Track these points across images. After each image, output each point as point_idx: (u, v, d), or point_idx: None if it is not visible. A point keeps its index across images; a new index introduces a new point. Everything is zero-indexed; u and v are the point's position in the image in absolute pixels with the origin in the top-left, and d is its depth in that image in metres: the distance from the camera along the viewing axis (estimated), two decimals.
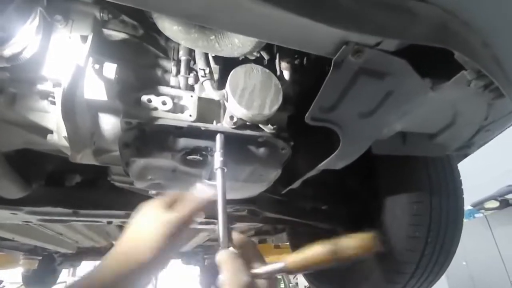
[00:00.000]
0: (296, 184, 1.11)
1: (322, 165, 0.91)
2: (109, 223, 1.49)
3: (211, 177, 0.89)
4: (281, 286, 10.29)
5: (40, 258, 3.73)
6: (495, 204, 3.19)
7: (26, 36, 0.60)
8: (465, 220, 3.52)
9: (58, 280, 4.02)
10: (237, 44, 0.69)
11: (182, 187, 0.99)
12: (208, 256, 4.17)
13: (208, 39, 0.69)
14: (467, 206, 3.65)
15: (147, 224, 0.53)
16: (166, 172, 0.86)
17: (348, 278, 1.27)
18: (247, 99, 0.77)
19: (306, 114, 0.70)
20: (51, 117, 0.79)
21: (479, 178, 3.68)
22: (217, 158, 0.70)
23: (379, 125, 0.77)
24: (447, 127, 0.86)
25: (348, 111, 0.72)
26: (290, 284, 9.44)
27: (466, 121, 0.84)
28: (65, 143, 0.79)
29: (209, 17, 0.51)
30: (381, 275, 1.11)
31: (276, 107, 0.79)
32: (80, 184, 1.33)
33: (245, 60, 0.93)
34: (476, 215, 3.59)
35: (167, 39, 0.89)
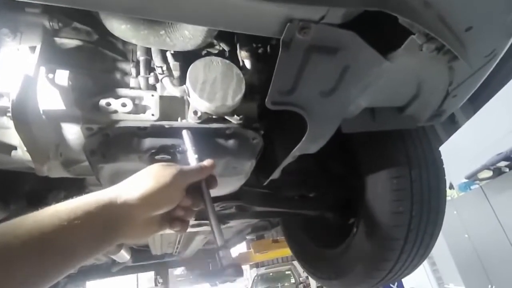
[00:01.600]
0: (276, 174, 1.10)
1: (296, 150, 0.90)
2: None
3: None
4: (291, 281, 10.31)
5: None
6: (488, 173, 3.21)
7: None
8: (461, 193, 3.54)
9: None
10: (187, 36, 0.68)
11: None
12: (211, 260, 4.16)
13: (158, 34, 0.68)
14: (461, 179, 3.67)
15: (145, 171, 0.51)
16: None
17: (340, 262, 1.27)
18: (209, 92, 0.76)
19: (266, 99, 0.69)
20: (13, 133, 0.78)
21: (473, 150, 3.71)
22: (191, 155, 0.69)
23: (343, 103, 0.77)
24: (413, 98, 0.86)
25: (308, 92, 0.71)
26: (300, 278, 9.47)
27: (431, 89, 0.84)
28: (29, 157, 0.78)
29: (147, 8, 0.51)
30: (372, 253, 1.11)
31: (239, 96, 0.78)
32: (63, 200, 1.32)
33: (207, 54, 0.93)
34: (472, 187, 3.61)
35: (124, 41, 0.88)
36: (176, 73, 0.81)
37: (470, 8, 0.60)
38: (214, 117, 0.81)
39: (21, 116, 0.60)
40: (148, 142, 0.76)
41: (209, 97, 0.76)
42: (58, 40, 0.76)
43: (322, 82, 0.70)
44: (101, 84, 0.78)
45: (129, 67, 0.84)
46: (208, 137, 0.82)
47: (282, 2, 0.52)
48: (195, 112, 0.78)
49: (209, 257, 3.70)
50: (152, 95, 0.79)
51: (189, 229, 1.78)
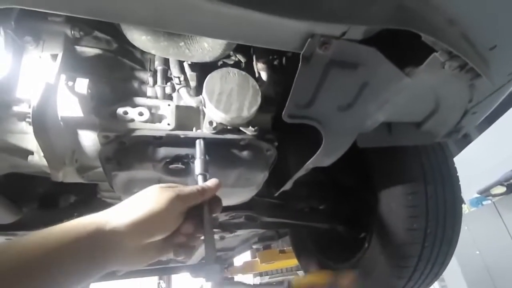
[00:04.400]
0: (288, 185, 1.09)
1: (310, 163, 0.89)
2: None
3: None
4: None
5: None
6: (501, 189, 3.14)
7: None
8: (473, 209, 3.45)
9: None
10: (207, 48, 0.68)
11: None
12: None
13: (177, 46, 0.69)
14: (474, 194, 3.60)
15: (140, 194, 0.48)
16: (151, 183, 0.85)
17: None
18: (225, 103, 0.76)
19: (283, 112, 0.69)
20: (31, 138, 0.79)
21: (484, 165, 3.63)
22: (197, 164, 0.69)
23: (360, 117, 0.76)
24: (431, 114, 0.85)
25: (326, 106, 0.71)
26: None
27: (450, 105, 0.82)
28: (46, 163, 0.78)
29: (162, 21, 0.51)
30: (384, 270, 1.08)
31: (255, 108, 0.78)
32: (73, 204, 1.33)
33: (223, 65, 0.93)
34: (484, 203, 3.52)
35: (143, 51, 0.89)
36: (192, 84, 0.81)
37: (495, 27, 0.59)
38: (229, 128, 0.80)
39: (41, 122, 0.60)
40: (163, 151, 0.76)
41: (225, 108, 0.76)
42: (78, 48, 0.78)
43: (340, 97, 0.70)
44: (118, 93, 0.79)
45: (147, 76, 0.85)
46: (223, 147, 0.82)
47: (304, 18, 0.52)
48: (211, 123, 0.78)
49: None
50: (169, 105, 0.79)
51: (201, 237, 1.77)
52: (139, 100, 0.78)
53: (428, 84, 0.73)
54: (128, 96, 0.79)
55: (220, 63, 0.93)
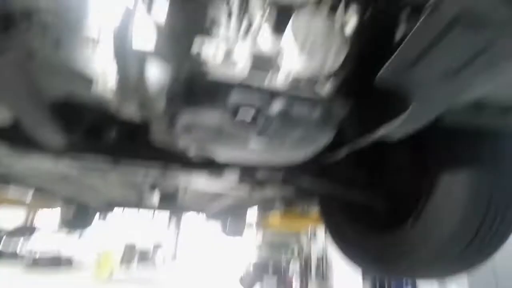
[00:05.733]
0: (342, 154, 1.04)
1: (380, 133, 0.82)
2: (145, 176, 1.52)
3: (257, 139, 0.84)
4: (295, 252, 10.67)
5: (75, 206, 4.03)
6: None
7: None
8: None
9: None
10: None
11: (224, 149, 0.95)
12: (231, 215, 4.31)
13: None
14: None
15: None
16: (212, 131, 0.82)
17: (387, 257, 1.23)
18: (309, 50, 0.68)
19: (378, 74, 0.61)
20: (96, 65, 0.75)
21: None
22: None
23: (460, 88, 0.67)
24: None
25: (427, 71, 0.61)
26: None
27: None
28: (108, 93, 0.75)
29: None
30: (426, 254, 1.05)
31: (340, 61, 0.70)
32: (117, 139, 1.34)
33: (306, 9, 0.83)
34: None
35: None
36: (271, 26, 0.72)
37: None
38: (305, 80, 0.73)
39: (121, 50, 0.55)
40: (233, 99, 0.71)
41: (308, 56, 0.68)
42: None
43: (450, 61, 0.60)
44: (192, 28, 0.72)
45: (220, 14, 0.76)
46: (292, 103, 0.75)
47: None
48: (287, 73, 0.71)
49: (231, 212, 3.82)
50: (244, 48, 0.72)
51: (229, 188, 1.79)
52: (214, 39, 0.71)
53: None
54: (202, 33, 0.72)
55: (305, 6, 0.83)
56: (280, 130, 0.79)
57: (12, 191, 3.33)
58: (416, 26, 0.51)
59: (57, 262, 10.65)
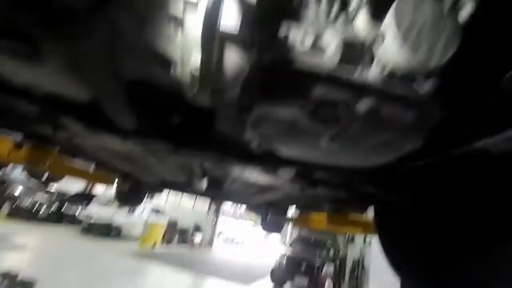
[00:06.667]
0: (423, 163, 0.92)
1: (483, 143, 0.70)
2: (201, 164, 1.53)
3: (335, 137, 0.76)
4: (330, 253, 10.36)
5: (131, 182, 4.33)
6: None
7: None
8: None
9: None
10: None
11: (293, 146, 0.89)
12: (272, 209, 4.29)
13: None
14: None
15: None
16: (285, 124, 0.76)
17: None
18: (414, 39, 0.58)
19: (506, 76, 0.50)
20: (177, 47, 0.73)
21: None
22: None
23: None
24: None
25: None
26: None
27: None
28: (187, 77, 0.73)
29: None
30: None
31: (449, 54, 0.59)
32: (181, 123, 1.35)
33: None
34: None
35: None
36: (370, 8, 0.63)
37: None
38: (403, 75, 0.63)
39: (210, 31, 0.51)
40: (319, 91, 0.64)
41: (413, 45, 0.58)
42: None
43: None
44: (279, 10, 0.66)
45: None
46: (385, 100, 0.66)
47: None
48: (384, 65, 0.62)
49: (273, 207, 3.79)
50: (335, 34, 0.64)
51: (281, 184, 1.74)
52: (302, 23, 0.64)
53: None
54: (288, 16, 0.66)
55: None
56: (364, 131, 0.70)
57: (76, 163, 3.68)
58: None
59: (108, 231, 11.68)
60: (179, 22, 0.68)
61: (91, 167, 3.93)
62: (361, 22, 0.61)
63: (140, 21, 0.71)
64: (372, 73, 0.64)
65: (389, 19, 0.58)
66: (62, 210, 12.67)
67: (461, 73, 0.67)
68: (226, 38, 0.65)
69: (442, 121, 0.75)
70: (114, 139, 1.36)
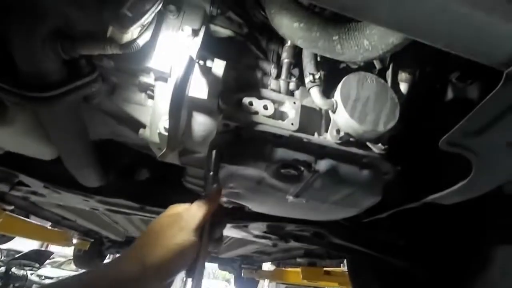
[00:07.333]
0: (383, 215, 0.97)
1: (432, 198, 0.76)
2: None
3: (299, 194, 0.80)
4: None
5: (92, 240, 3.99)
6: None
7: (145, 23, 0.57)
8: None
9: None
10: (365, 47, 0.58)
11: (260, 200, 0.91)
12: (246, 266, 4.08)
13: (330, 39, 0.60)
14: None
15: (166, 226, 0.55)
16: (251, 182, 0.79)
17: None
18: (360, 112, 0.66)
19: (443, 139, 0.58)
20: (146, 111, 0.76)
21: None
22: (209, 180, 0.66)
23: None
24: None
25: (497, 138, 0.57)
26: None
27: None
28: (156, 139, 0.75)
29: (363, 9, 0.42)
30: None
31: (392, 124, 0.68)
32: (149, 180, 1.33)
33: (346, 68, 0.83)
34: None
35: (268, 40, 0.83)
36: (322, 86, 0.72)
37: None
38: (354, 140, 0.70)
39: (179, 99, 0.56)
40: (281, 152, 0.69)
41: (360, 117, 0.66)
42: (213, 27, 0.73)
43: None
44: (242, 80, 0.73)
45: (269, 68, 0.78)
46: (341, 161, 0.72)
47: None
48: (338, 131, 0.69)
49: (246, 263, 3.63)
50: (294, 102, 0.71)
51: (251, 238, 1.71)
52: (264, 92, 0.71)
53: None
54: (252, 86, 0.73)
55: (342, 65, 0.84)
56: (325, 188, 0.74)
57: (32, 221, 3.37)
58: (488, 96, 0.49)
59: None
60: (150, 89, 0.73)
61: (47, 224, 3.61)
62: (315, 95, 0.68)
63: (112, 88, 0.75)
64: (330, 136, 0.70)
65: (338, 94, 0.67)
66: (10, 272, 11.06)
67: (403, 137, 0.76)
68: (197, 102, 0.69)
69: (397, 178, 0.82)
70: (76, 197, 1.30)
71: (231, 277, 4.38)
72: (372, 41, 0.58)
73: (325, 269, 2.33)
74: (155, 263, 0.50)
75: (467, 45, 0.45)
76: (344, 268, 2.94)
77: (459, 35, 0.44)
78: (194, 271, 0.55)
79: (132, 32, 0.56)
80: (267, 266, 4.29)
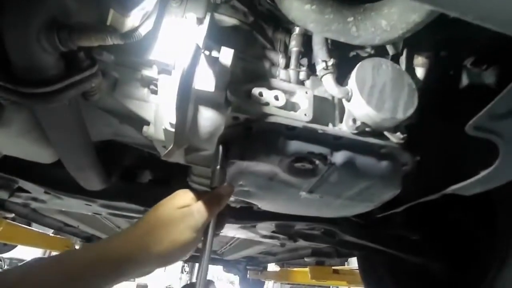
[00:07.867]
0: (400, 209, 0.93)
1: (454, 189, 0.72)
2: None
3: (313, 189, 0.76)
4: None
5: None
6: None
7: (146, 10, 0.53)
8: None
9: None
10: (383, 27, 0.55)
11: (271, 197, 0.87)
12: (251, 267, 4.04)
13: (344, 21, 0.56)
14: None
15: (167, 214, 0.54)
16: (262, 179, 0.75)
17: None
18: (377, 99, 0.62)
19: (469, 123, 0.54)
20: (150, 107, 0.72)
21: None
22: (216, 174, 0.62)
23: None
24: None
25: None
26: None
27: None
28: (161, 136, 0.71)
29: None
30: None
31: (411, 111, 0.64)
32: (152, 182, 1.29)
33: (356, 56, 0.80)
34: None
35: (275, 29, 0.79)
36: (336, 73, 0.68)
37: None
38: (371, 129, 0.66)
39: (186, 92, 0.52)
40: (295, 145, 0.65)
41: (377, 105, 0.62)
42: (217, 16, 0.69)
43: None
44: (250, 71, 0.70)
45: (277, 58, 0.74)
46: (359, 152, 0.68)
47: None
48: (354, 120, 0.65)
49: (252, 264, 3.58)
50: (306, 92, 0.67)
51: (259, 239, 1.67)
52: (274, 82, 0.67)
53: None
54: (260, 76, 0.69)
55: (352, 53, 0.80)
56: (341, 182, 0.71)
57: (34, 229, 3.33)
58: None
59: None
60: (152, 84, 0.69)
61: (50, 232, 3.56)
62: (328, 83, 0.65)
63: (113, 83, 0.71)
64: (346, 126, 0.66)
65: (353, 81, 0.63)
66: None
67: (428, 124, 0.72)
68: (203, 95, 0.66)
69: (415, 169, 0.79)
70: (78, 202, 1.26)
71: (235, 279, 4.33)
72: (391, 20, 0.54)
73: (333, 267, 2.29)
74: (161, 255, 0.51)
75: (504, 18, 0.41)
76: (350, 266, 2.90)
77: (496, 3, 0.40)
78: (200, 269, 0.54)
79: (134, 21, 0.52)
80: (272, 267, 4.25)
